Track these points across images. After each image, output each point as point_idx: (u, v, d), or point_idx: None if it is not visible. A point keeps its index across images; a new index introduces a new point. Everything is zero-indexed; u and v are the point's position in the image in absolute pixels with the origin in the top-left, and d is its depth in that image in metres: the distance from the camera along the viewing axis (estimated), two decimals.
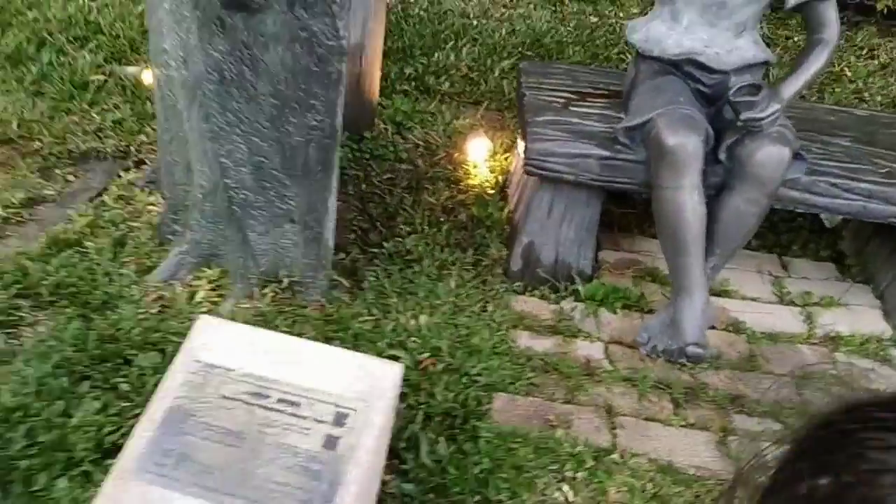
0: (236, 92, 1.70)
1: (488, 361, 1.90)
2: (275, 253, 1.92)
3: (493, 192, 2.52)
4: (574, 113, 2.04)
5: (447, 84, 3.11)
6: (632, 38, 1.97)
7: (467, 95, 3.08)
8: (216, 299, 1.98)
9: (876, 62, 3.61)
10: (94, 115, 2.68)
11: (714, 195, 1.85)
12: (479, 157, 2.68)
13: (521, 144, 2.18)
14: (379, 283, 2.12)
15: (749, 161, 1.76)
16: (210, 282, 2.00)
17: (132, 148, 2.57)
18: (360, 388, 1.26)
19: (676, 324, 1.84)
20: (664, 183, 1.77)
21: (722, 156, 1.84)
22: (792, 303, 2.32)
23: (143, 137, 2.60)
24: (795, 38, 3.66)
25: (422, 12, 3.58)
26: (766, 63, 1.94)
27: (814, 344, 2.19)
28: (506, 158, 2.65)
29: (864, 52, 3.65)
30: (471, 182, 2.58)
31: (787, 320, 2.25)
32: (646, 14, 2.07)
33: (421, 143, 2.79)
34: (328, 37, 1.61)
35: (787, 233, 2.57)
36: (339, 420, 1.21)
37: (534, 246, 2.10)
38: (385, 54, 3.23)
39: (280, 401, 1.23)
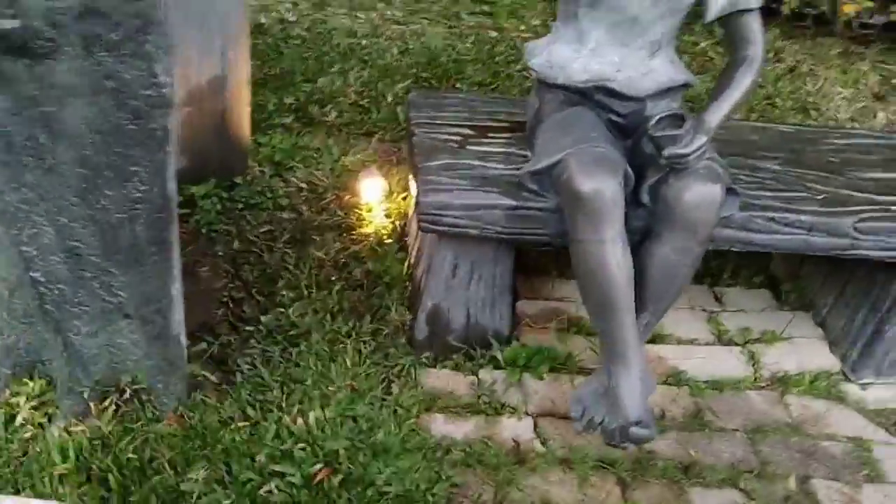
0: (31, 161, 1.29)
1: (398, 462, 1.55)
2: (110, 356, 1.52)
3: (390, 241, 2.18)
4: (473, 153, 1.72)
5: (334, 114, 2.75)
6: (532, 63, 1.67)
7: (357, 126, 2.73)
8: (43, 419, 1.55)
9: (783, 65, 3.49)
10: None
11: (638, 242, 1.57)
12: (374, 198, 2.34)
13: (413, 188, 1.85)
14: (256, 372, 1.74)
15: (677, 203, 1.49)
16: (32, 397, 1.57)
17: None
18: None
19: (614, 398, 1.55)
20: (582, 235, 1.48)
21: (644, 197, 1.56)
22: (732, 342, 2.08)
23: None
24: (702, 44, 3.49)
25: (303, 32, 3.22)
26: (685, 86, 1.68)
27: (761, 388, 1.95)
28: (403, 198, 2.32)
29: (772, 55, 3.52)
30: (365, 230, 2.23)
31: (729, 363, 2.01)
32: (548, 30, 1.78)
33: (305, 185, 2.42)
34: (144, 85, 1.23)
35: (715, 259, 2.35)
36: None
37: (440, 310, 1.77)
38: (261, 83, 2.85)
39: None
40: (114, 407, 1.54)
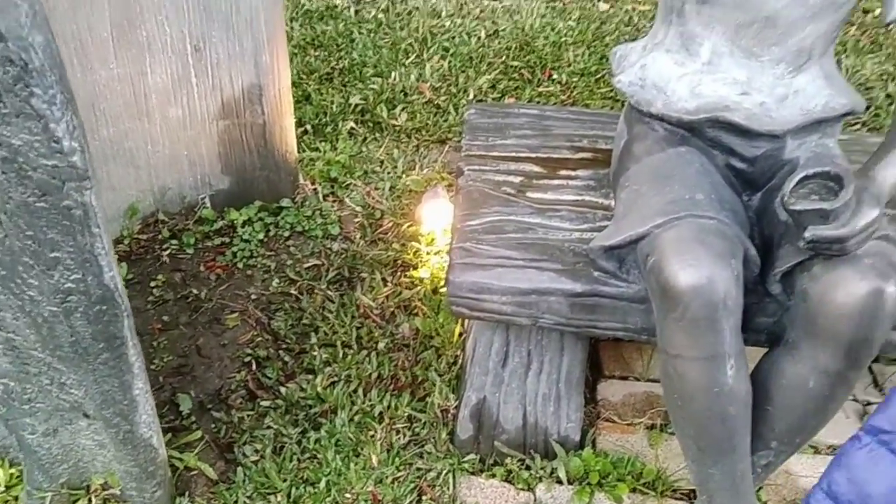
0: None
1: None
2: (77, 457, 1.25)
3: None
4: (533, 204, 1.27)
5: (404, 116, 2.36)
6: (619, 82, 1.18)
7: (429, 131, 2.32)
8: None
9: None
10: None
11: (767, 350, 1.08)
12: (435, 227, 1.94)
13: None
14: (262, 466, 1.42)
15: (823, 306, 0.97)
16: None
17: None
18: None
19: None
20: (675, 348, 1.00)
21: (775, 287, 1.05)
22: None
23: None
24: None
25: (380, 14, 2.82)
26: (848, 114, 1.12)
27: None
28: None
29: None
30: (420, 272, 1.84)
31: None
32: (644, 33, 1.27)
33: (360, 208, 2.06)
34: (43, 153, 0.90)
35: None
36: None
37: (487, 405, 1.35)
38: (327, 78, 2.51)
39: None
40: None
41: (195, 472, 1.41)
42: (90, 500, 1.28)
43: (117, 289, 1.06)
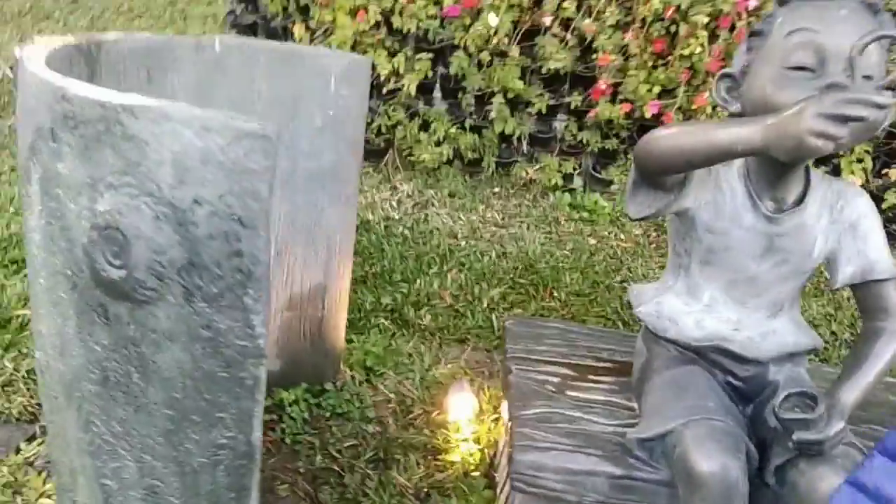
0: (122, 397, 1.28)
1: None
2: None
3: (477, 473, 2.03)
4: (571, 401, 1.60)
5: (428, 317, 2.73)
6: (639, 312, 1.58)
7: (450, 331, 2.68)
8: None
9: None
10: (6, 363, 2.27)
11: None
12: (462, 416, 2.22)
13: (505, 428, 1.73)
14: None
15: (810, 495, 1.29)
16: None
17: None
18: None
19: None
20: None
21: (770, 479, 1.37)
22: None
23: None
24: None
25: (406, 231, 3.31)
26: (812, 350, 1.53)
27: None
28: (494, 421, 2.19)
29: None
30: (451, 456, 2.09)
31: None
32: (649, 241, 1.70)
33: (393, 395, 2.35)
34: (239, 336, 1.21)
35: None
36: None
37: None
38: (361, 280, 2.90)
39: None
40: None
41: None
42: None
43: (257, 446, 1.31)
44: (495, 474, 1.98)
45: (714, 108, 3.35)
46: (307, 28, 3.36)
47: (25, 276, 2.65)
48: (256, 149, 1.04)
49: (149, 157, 1.07)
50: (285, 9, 3.41)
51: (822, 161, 3.39)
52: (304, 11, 3.39)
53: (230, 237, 1.10)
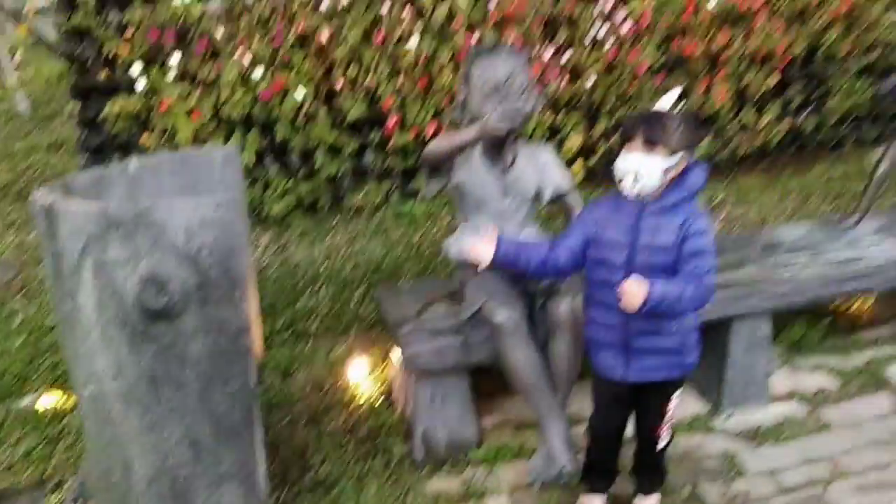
0: (166, 385, 2.09)
1: None
2: None
3: (381, 401, 2.99)
4: (427, 318, 2.66)
5: (316, 324, 3.64)
6: (448, 248, 2.64)
7: (336, 329, 3.61)
8: None
9: None
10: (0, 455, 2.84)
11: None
12: (362, 376, 3.17)
13: (395, 353, 2.72)
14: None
15: (552, 311, 2.48)
16: None
17: (47, 472, 2.75)
18: None
19: (549, 452, 2.36)
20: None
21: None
22: None
23: (53, 461, 2.80)
24: None
25: (274, 273, 4.16)
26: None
27: None
28: (383, 371, 3.16)
29: None
30: (361, 401, 3.04)
31: None
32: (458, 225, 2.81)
33: (308, 381, 3.24)
34: (234, 320, 2.09)
35: None
36: None
37: (428, 431, 2.57)
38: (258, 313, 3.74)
39: None
40: None
41: None
42: None
43: (256, 385, 2.19)
44: (392, 395, 2.96)
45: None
46: (151, 134, 4.08)
47: None
48: (229, 208, 1.96)
49: (167, 231, 1.94)
50: (129, 126, 4.10)
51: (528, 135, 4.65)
52: (144, 124, 4.13)
53: (223, 262, 2.00)
